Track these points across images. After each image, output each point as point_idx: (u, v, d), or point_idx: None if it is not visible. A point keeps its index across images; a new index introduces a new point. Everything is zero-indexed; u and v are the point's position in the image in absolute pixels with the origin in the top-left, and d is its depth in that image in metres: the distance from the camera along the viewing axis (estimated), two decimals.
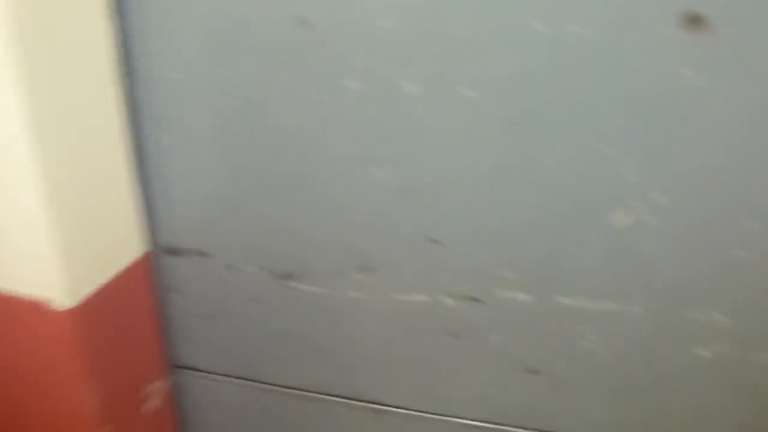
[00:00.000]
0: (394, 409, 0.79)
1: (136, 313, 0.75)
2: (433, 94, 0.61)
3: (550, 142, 0.61)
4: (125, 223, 0.71)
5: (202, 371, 0.84)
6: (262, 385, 0.83)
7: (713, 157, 0.58)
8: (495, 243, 0.66)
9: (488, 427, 0.76)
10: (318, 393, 0.81)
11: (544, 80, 0.58)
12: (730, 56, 0.54)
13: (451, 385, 0.76)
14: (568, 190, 0.62)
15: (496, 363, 0.73)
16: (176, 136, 0.70)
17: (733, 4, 0.52)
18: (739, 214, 0.60)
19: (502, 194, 0.64)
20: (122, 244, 0.71)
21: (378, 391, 0.79)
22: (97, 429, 0.70)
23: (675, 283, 0.64)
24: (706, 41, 0.53)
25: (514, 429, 0.76)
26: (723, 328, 0.65)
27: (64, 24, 0.59)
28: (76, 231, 0.64)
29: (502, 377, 0.73)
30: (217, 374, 0.84)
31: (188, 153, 0.70)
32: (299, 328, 0.78)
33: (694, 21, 0.53)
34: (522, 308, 0.69)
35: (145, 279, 0.75)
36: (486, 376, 0.74)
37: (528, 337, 0.70)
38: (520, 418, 0.75)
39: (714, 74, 0.54)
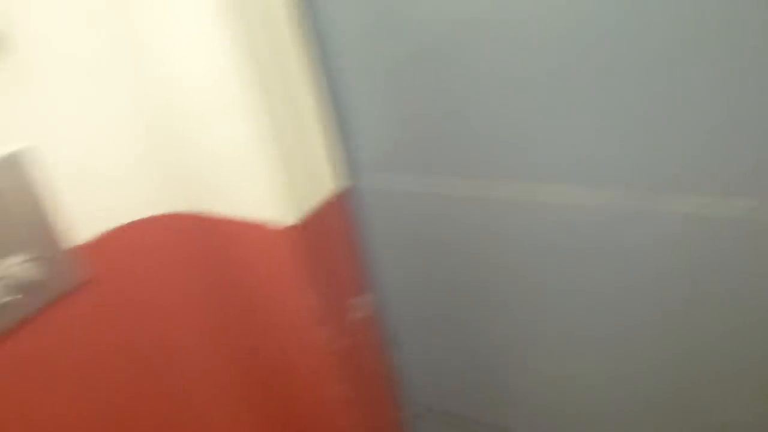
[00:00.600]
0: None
1: (341, 234, 0.88)
2: None
3: None
4: (326, 161, 0.83)
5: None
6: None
7: None
8: None
9: None
10: None
11: None
12: None
13: None
14: None
15: None
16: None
17: None
18: None
19: None
20: (328, 174, 0.84)
21: None
22: (315, 328, 0.86)
23: None
24: None
25: None
26: None
27: None
28: (291, 163, 0.77)
29: None
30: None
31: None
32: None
33: None
34: None
35: (346, 204, 0.88)
36: None
37: None
38: None
39: None
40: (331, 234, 0.86)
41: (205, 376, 0.97)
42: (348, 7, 0.74)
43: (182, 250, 0.88)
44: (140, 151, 0.82)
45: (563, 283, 0.78)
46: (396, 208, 0.86)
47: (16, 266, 0.72)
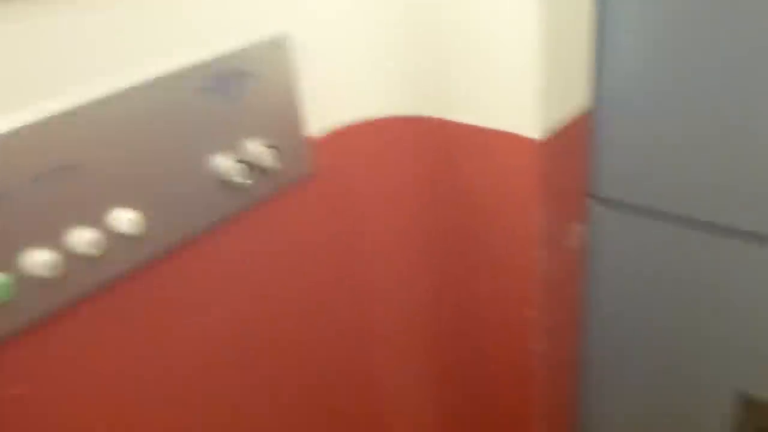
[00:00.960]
0: None
1: (578, 156, 0.86)
2: None
3: None
4: (582, 78, 0.81)
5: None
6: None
7: None
8: None
9: None
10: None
11: None
12: None
13: None
14: None
15: None
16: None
17: None
18: None
19: None
20: (580, 92, 0.81)
21: None
22: (534, 250, 0.84)
23: None
24: None
25: None
26: None
27: None
28: (552, 72, 0.73)
29: None
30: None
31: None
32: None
33: None
34: None
35: (587, 130, 0.86)
36: None
37: None
38: None
39: None
40: (570, 154, 0.83)
41: (403, 285, 0.97)
42: None
43: (412, 152, 0.86)
44: (390, 46, 0.79)
45: None
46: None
47: (256, 150, 0.72)
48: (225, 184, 0.69)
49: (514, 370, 0.96)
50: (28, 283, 0.55)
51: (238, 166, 0.69)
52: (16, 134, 0.52)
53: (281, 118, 0.73)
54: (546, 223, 0.82)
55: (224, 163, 0.69)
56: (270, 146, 0.72)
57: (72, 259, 0.58)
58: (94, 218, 0.59)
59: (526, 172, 0.78)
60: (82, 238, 0.58)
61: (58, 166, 0.55)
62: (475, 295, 0.94)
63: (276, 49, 0.70)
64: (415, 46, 0.78)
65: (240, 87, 0.68)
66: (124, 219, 0.61)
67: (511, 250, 0.86)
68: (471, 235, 0.89)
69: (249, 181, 0.71)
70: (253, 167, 0.71)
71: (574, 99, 0.80)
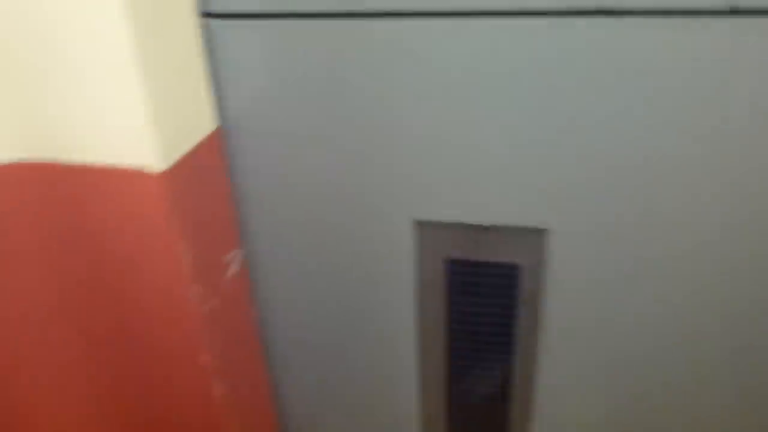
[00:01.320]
0: None
1: (214, 183, 0.82)
2: None
3: None
4: (199, 101, 0.77)
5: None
6: None
7: None
8: None
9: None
10: None
11: None
12: None
13: None
14: None
15: None
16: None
17: None
18: None
19: None
20: (198, 118, 0.77)
21: None
22: (189, 286, 0.78)
23: None
24: None
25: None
26: None
27: None
28: (162, 106, 0.69)
29: None
30: None
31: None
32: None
33: None
34: None
35: (219, 151, 0.82)
36: None
37: None
38: None
39: None
40: (203, 180, 0.80)
41: (50, 346, 0.85)
42: None
43: (34, 201, 0.76)
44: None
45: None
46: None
47: None
48: None
49: (200, 417, 0.90)
50: None
51: None
52: None
53: None
54: (194, 258, 0.78)
55: None
56: None
57: None
58: None
59: (154, 208, 0.73)
60: None
61: None
62: (137, 352, 0.86)
63: None
64: (14, 86, 0.69)
65: None
66: None
67: (163, 295, 0.79)
68: (116, 287, 0.81)
69: None
70: None
71: (196, 123, 0.77)
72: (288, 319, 0.98)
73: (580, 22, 0.69)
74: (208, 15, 0.77)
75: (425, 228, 0.86)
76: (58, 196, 0.76)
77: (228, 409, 0.90)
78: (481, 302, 0.90)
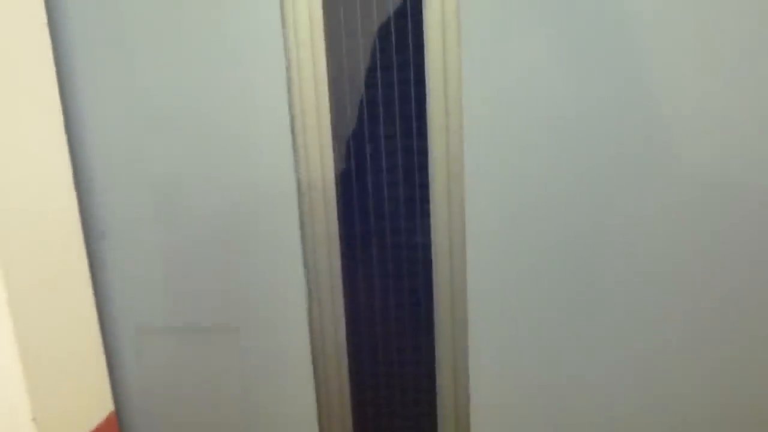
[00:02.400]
0: None
1: None
2: None
3: None
4: (92, 387, 0.73)
5: None
6: None
7: None
8: None
9: None
10: None
11: None
12: None
13: None
14: None
15: None
16: None
17: None
18: None
19: None
20: (91, 406, 0.73)
21: None
22: None
23: None
24: None
25: None
26: None
27: None
28: (50, 399, 0.65)
29: None
30: None
31: None
32: None
33: None
34: None
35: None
36: None
37: None
38: None
39: None
40: None
41: None
42: None
43: None
44: None
45: None
46: None
47: None
48: None
49: None
50: None
51: None
52: None
53: None
54: None
55: None
56: None
57: None
58: None
59: None
60: None
61: None
62: None
63: None
64: None
65: None
66: None
67: None
68: None
69: None
70: None
71: (90, 409, 0.73)
72: None
73: None
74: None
75: None
76: None
77: None
78: None
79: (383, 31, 0.78)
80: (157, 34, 0.83)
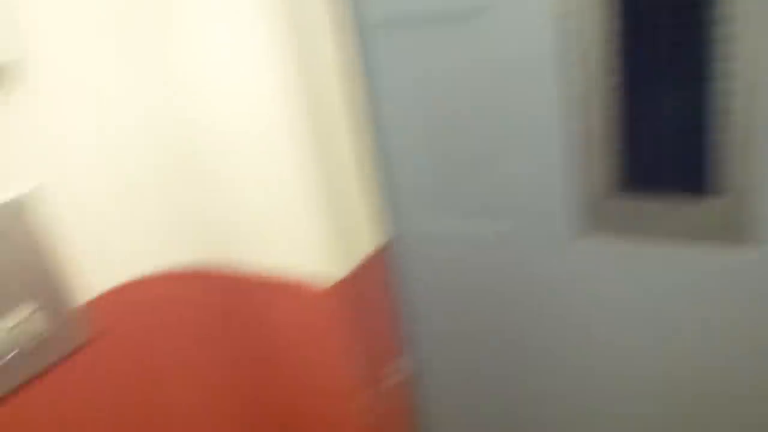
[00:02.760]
0: None
1: (380, 295, 0.82)
2: None
3: None
4: (369, 215, 0.77)
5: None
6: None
7: None
8: None
9: None
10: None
11: None
12: None
13: None
14: None
15: None
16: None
17: None
18: None
19: None
20: (367, 234, 0.78)
21: None
22: (351, 397, 0.78)
23: None
24: None
25: None
26: None
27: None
28: (336, 215, 0.71)
29: None
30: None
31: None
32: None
33: None
34: None
35: (384, 265, 0.81)
36: None
37: None
38: None
39: None
40: (371, 292, 0.79)
41: None
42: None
43: (199, 307, 0.79)
44: (162, 198, 0.74)
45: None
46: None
47: (22, 318, 0.65)
48: None
49: None
50: None
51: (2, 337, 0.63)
52: None
53: (44, 281, 0.66)
54: (361, 368, 0.77)
55: None
56: (36, 312, 0.65)
57: None
58: None
59: (324, 321, 0.74)
60: None
61: None
62: None
63: (19, 211, 0.64)
64: (190, 197, 0.74)
65: None
66: None
67: (329, 402, 0.79)
68: (279, 393, 0.82)
69: (17, 352, 0.64)
70: (18, 337, 0.65)
71: (367, 235, 0.78)
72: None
73: None
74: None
75: None
76: (225, 303, 0.80)
77: None
78: None
79: None
80: None
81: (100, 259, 0.71)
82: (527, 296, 0.78)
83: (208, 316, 0.80)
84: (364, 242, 0.77)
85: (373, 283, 0.80)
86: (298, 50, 0.64)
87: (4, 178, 0.63)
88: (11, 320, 0.64)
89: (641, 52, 0.63)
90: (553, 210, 0.72)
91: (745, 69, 0.59)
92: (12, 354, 0.63)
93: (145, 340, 0.78)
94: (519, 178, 0.72)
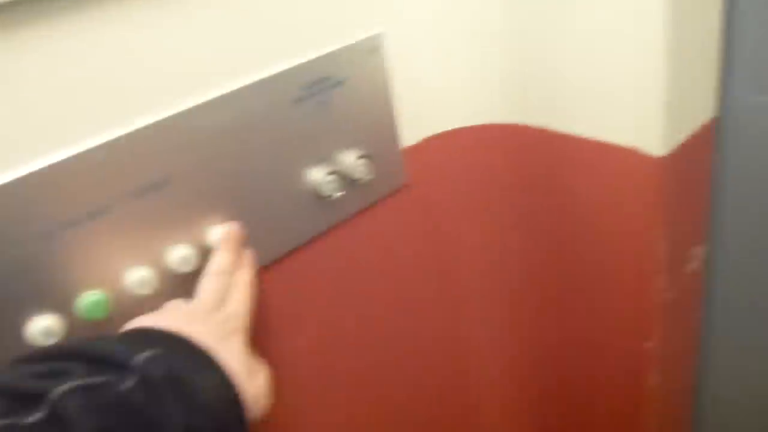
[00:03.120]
0: None
1: (698, 175, 0.77)
2: None
3: None
4: (706, 85, 0.71)
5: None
6: None
7: None
8: None
9: None
10: None
11: None
12: None
13: None
14: None
15: None
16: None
17: None
18: None
19: None
20: (700, 107, 0.72)
21: None
22: (655, 274, 0.75)
23: None
24: None
25: None
26: None
27: None
28: (676, 88, 0.65)
29: None
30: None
31: None
32: None
33: None
34: None
35: (709, 142, 0.76)
36: None
37: None
38: None
39: None
40: (692, 171, 0.74)
41: (501, 301, 0.91)
42: None
43: (512, 163, 0.80)
44: (490, 49, 0.73)
45: None
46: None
47: (350, 161, 0.68)
48: (319, 197, 0.66)
49: (626, 401, 0.88)
50: (124, 300, 0.54)
51: (332, 178, 0.66)
52: (107, 148, 0.51)
53: (375, 127, 0.70)
54: (668, 247, 0.74)
55: (318, 175, 0.66)
56: (364, 156, 0.68)
57: (167, 276, 0.56)
58: (187, 235, 0.57)
59: (645, 192, 0.70)
60: (177, 255, 0.56)
61: (150, 181, 0.54)
62: (581, 322, 0.86)
63: (371, 53, 0.66)
64: (519, 50, 0.72)
65: (333, 94, 0.65)
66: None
67: (626, 276, 0.77)
68: (577, 255, 0.81)
69: (342, 194, 0.67)
70: (347, 179, 0.67)
71: (699, 109, 0.71)
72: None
73: None
74: None
75: None
76: (541, 160, 0.78)
77: (656, 400, 0.87)
78: None
79: None
80: None
81: (421, 109, 0.73)
82: None
83: (522, 171, 0.80)
84: (695, 116, 0.71)
85: (696, 161, 0.75)
86: None
87: (349, 23, 0.65)
88: (339, 164, 0.66)
89: None
90: None
91: None
92: (337, 195, 0.65)
93: (457, 187, 0.81)
94: None
